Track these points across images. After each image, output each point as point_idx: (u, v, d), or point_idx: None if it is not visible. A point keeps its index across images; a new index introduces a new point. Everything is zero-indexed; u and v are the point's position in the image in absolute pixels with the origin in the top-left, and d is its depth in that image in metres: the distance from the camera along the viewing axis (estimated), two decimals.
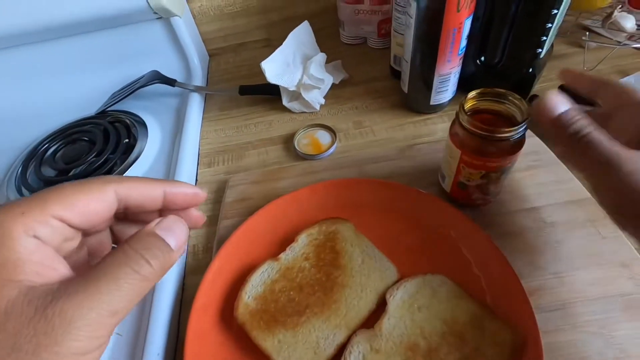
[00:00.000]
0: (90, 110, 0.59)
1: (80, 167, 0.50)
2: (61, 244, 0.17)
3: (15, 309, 0.14)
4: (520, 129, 0.30)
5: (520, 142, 0.32)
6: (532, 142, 0.43)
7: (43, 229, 0.16)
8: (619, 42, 0.52)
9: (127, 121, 0.56)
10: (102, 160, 0.50)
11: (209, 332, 0.31)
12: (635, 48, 0.52)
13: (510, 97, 0.32)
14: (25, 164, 0.52)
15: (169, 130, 0.55)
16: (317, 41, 0.57)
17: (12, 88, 0.62)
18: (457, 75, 0.48)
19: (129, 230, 0.21)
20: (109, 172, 0.49)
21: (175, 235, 0.18)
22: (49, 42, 0.57)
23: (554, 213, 0.37)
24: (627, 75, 0.50)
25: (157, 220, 0.18)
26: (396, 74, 0.57)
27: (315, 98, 0.53)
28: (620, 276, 0.32)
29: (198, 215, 0.23)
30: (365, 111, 0.54)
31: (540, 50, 0.45)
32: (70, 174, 0.50)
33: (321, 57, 0.54)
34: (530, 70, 0.47)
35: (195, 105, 0.57)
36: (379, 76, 0.59)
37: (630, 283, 0.31)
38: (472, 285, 0.32)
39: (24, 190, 0.48)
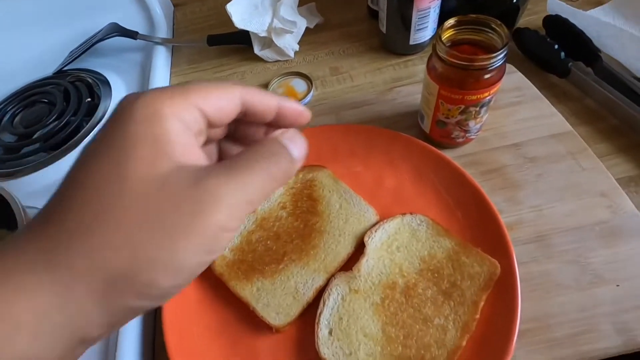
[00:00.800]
0: (47, 70, 0.55)
1: (42, 131, 0.47)
2: (197, 135, 0.17)
3: (171, 180, 0.15)
4: (500, 55, 0.28)
5: (499, 72, 0.30)
6: (514, 77, 0.41)
7: (187, 115, 0.16)
8: None
9: (89, 80, 0.52)
10: (64, 121, 0.47)
11: (185, 289, 0.31)
12: None
13: (490, 24, 0.30)
14: None
15: (134, 87, 0.52)
16: None
17: None
18: (437, 10, 0.45)
19: (234, 149, 0.22)
20: (75, 132, 0.47)
21: (297, 146, 0.18)
22: None
23: (535, 148, 0.36)
24: (602, 4, 0.48)
25: (281, 130, 0.19)
26: (374, 14, 0.53)
27: (289, 44, 0.50)
28: (598, 205, 0.31)
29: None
30: (342, 56, 0.51)
31: None
32: (34, 137, 0.47)
33: None
34: (514, 1, 0.44)
35: (161, 59, 0.53)
36: (356, 18, 0.56)
37: (608, 211, 0.31)
38: (452, 223, 0.32)
39: None
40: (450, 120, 0.33)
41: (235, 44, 0.54)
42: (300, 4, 0.53)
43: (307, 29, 0.52)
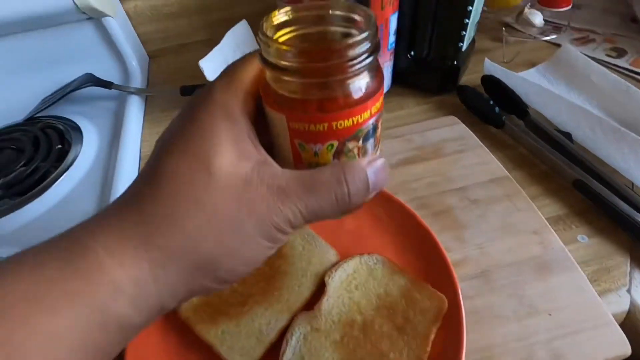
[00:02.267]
0: (18, 117, 0.56)
1: (9, 177, 0.47)
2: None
3: (252, 182, 0.17)
4: (367, 36, 0.17)
5: (377, 77, 0.19)
6: (459, 128, 0.47)
7: (247, 106, 0.18)
8: (530, 35, 0.58)
9: (60, 127, 0.53)
10: (31, 168, 0.47)
11: (151, 331, 0.31)
12: (545, 41, 0.58)
13: (336, 10, 0.19)
14: None
15: (106, 134, 0.53)
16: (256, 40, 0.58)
17: None
18: (390, 69, 0.51)
19: None
20: (42, 179, 0.47)
21: (378, 180, 0.19)
22: None
23: (477, 191, 0.40)
24: (534, 66, 0.56)
25: (370, 158, 0.20)
26: None
27: None
28: (531, 242, 0.35)
29: None
30: None
31: (461, 44, 0.49)
32: None
33: None
34: (455, 62, 0.51)
35: (135, 108, 0.55)
36: None
37: (540, 247, 0.35)
38: (406, 261, 0.34)
39: None
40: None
41: None
42: None
43: None
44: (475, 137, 0.46)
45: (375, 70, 0.19)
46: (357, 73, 0.17)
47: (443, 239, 0.35)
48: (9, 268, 0.15)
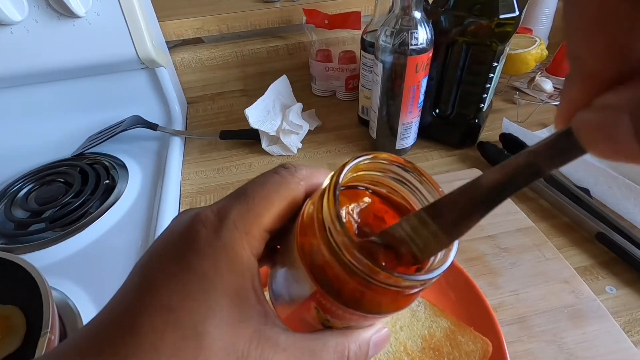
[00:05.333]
0: (67, 152, 0.59)
1: (54, 209, 0.49)
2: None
3: (250, 356, 0.14)
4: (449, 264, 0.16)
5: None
6: None
7: (260, 246, 0.16)
8: (542, 100, 0.64)
9: (106, 163, 0.57)
10: (80, 201, 0.50)
11: None
12: (555, 105, 0.64)
13: (420, 179, 0.18)
14: None
15: (149, 172, 0.57)
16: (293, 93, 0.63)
17: None
18: (417, 124, 0.55)
19: None
20: (85, 214, 0.49)
21: (377, 349, 0.18)
22: (33, 85, 0.58)
23: (507, 240, 0.43)
24: (546, 126, 0.61)
25: (377, 328, 0.18)
26: (364, 123, 0.64)
27: (294, 142, 0.58)
28: (563, 291, 0.37)
29: None
30: (338, 154, 0.60)
31: (482, 105, 0.54)
32: (43, 215, 0.50)
33: (298, 106, 0.59)
34: (476, 120, 0.56)
35: (177, 148, 0.59)
36: (349, 124, 0.66)
37: (572, 296, 0.37)
38: (446, 304, 0.36)
39: None
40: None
41: (244, 139, 0.62)
42: (303, 110, 0.63)
43: (308, 130, 0.61)
44: None
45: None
46: (409, 295, 0.16)
47: (479, 284, 0.36)
48: None
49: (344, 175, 0.16)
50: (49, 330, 0.30)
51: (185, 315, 0.14)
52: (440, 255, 0.16)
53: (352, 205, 0.17)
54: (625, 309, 0.37)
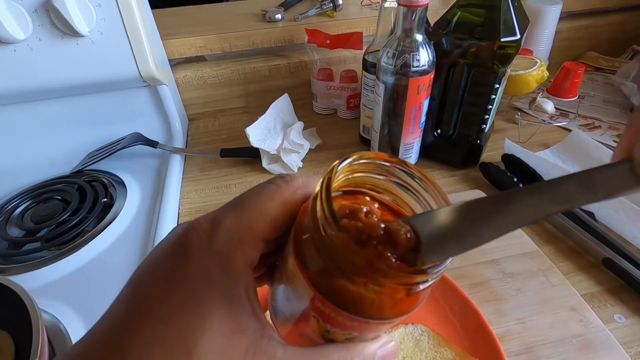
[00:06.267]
0: (66, 169, 0.59)
1: (49, 228, 0.49)
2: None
3: None
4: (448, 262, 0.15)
5: (417, 296, 0.16)
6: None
7: (255, 255, 0.16)
8: (543, 120, 0.64)
9: (104, 180, 0.56)
10: (77, 220, 0.49)
11: None
12: (557, 126, 0.64)
13: (424, 181, 0.17)
14: None
15: (148, 190, 0.56)
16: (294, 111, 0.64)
17: None
18: (419, 144, 0.55)
19: None
20: (81, 233, 0.48)
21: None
22: (33, 102, 0.58)
23: (511, 264, 0.42)
24: (548, 147, 0.61)
25: (383, 341, 0.17)
26: (365, 141, 0.63)
27: (294, 161, 0.58)
28: (570, 319, 0.36)
29: None
30: None
31: (484, 125, 0.53)
32: (39, 234, 0.49)
33: (299, 125, 0.59)
34: (478, 141, 0.55)
35: (177, 166, 0.59)
36: (350, 142, 0.66)
37: (580, 325, 0.36)
38: (450, 333, 0.35)
39: None
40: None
41: (244, 157, 0.61)
42: (304, 128, 0.63)
43: (309, 149, 0.61)
44: None
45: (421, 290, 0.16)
46: (423, 289, 0.15)
47: (483, 312, 0.35)
48: None
49: (340, 170, 0.16)
50: (37, 357, 0.29)
51: (174, 327, 0.13)
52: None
53: (348, 206, 0.16)
54: (635, 338, 0.36)
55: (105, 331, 0.14)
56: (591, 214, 0.47)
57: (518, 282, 0.40)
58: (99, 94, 0.61)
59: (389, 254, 0.15)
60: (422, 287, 0.15)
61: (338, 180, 0.16)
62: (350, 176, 0.17)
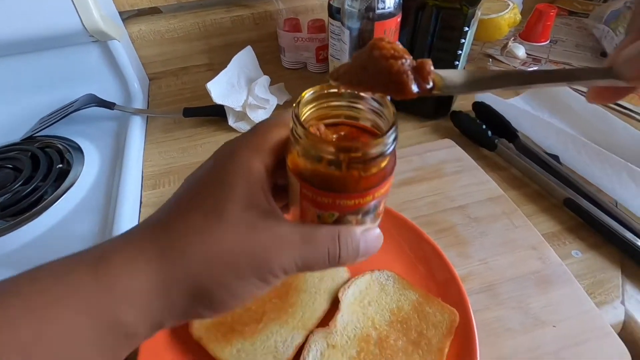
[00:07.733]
0: (16, 136, 0.55)
1: (4, 197, 0.46)
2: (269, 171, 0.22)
3: (258, 227, 0.19)
4: (389, 139, 0.19)
5: (388, 166, 0.20)
6: (455, 150, 0.50)
7: (269, 159, 0.21)
8: (515, 67, 0.63)
9: (59, 146, 0.53)
10: (30, 188, 0.46)
11: (163, 352, 0.31)
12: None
13: (364, 98, 0.21)
14: None
15: (108, 155, 0.53)
16: (259, 66, 0.60)
17: None
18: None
19: None
20: (38, 201, 0.46)
21: (369, 248, 0.22)
22: None
23: (477, 209, 0.42)
24: (519, 94, 0.60)
25: (366, 227, 0.22)
26: None
27: (261, 117, 0.55)
28: (530, 257, 0.37)
29: None
30: None
31: None
32: None
33: (265, 79, 0.56)
34: None
35: (137, 128, 0.56)
36: None
37: (539, 262, 0.37)
38: (415, 277, 0.35)
39: None
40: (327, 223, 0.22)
41: (209, 116, 0.58)
42: (270, 84, 0.60)
43: (277, 105, 0.59)
44: (471, 158, 0.49)
45: (387, 161, 0.20)
46: (372, 166, 0.19)
47: (448, 255, 0.36)
48: (54, 270, 0.18)
49: (312, 95, 0.21)
50: None
51: (209, 198, 0.20)
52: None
53: (321, 124, 0.22)
54: (589, 271, 0.38)
55: (159, 211, 0.21)
56: (556, 157, 0.48)
57: (483, 225, 0.41)
58: (45, 52, 0.56)
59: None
60: (372, 161, 0.19)
61: (309, 107, 0.21)
62: (317, 106, 0.22)
